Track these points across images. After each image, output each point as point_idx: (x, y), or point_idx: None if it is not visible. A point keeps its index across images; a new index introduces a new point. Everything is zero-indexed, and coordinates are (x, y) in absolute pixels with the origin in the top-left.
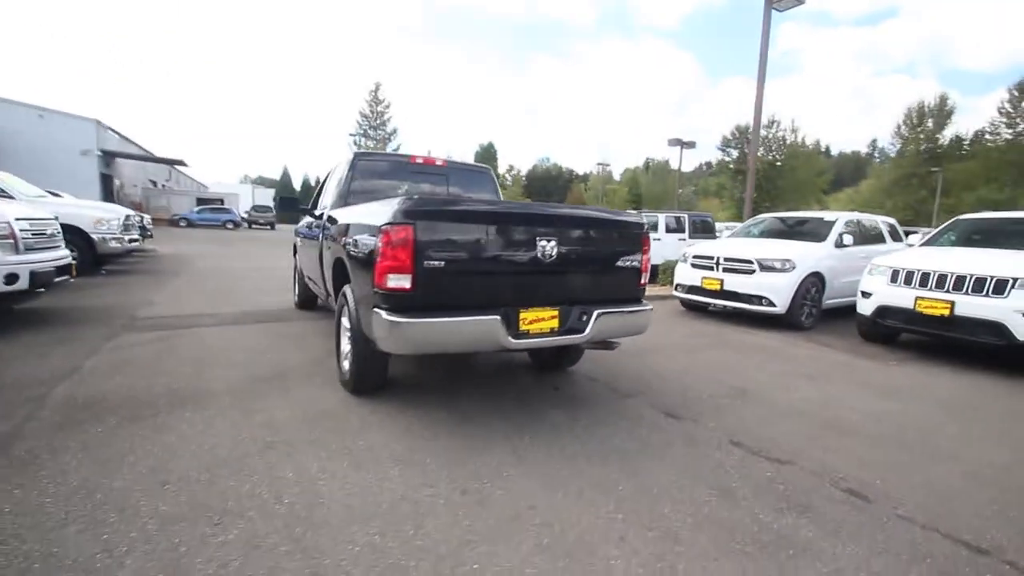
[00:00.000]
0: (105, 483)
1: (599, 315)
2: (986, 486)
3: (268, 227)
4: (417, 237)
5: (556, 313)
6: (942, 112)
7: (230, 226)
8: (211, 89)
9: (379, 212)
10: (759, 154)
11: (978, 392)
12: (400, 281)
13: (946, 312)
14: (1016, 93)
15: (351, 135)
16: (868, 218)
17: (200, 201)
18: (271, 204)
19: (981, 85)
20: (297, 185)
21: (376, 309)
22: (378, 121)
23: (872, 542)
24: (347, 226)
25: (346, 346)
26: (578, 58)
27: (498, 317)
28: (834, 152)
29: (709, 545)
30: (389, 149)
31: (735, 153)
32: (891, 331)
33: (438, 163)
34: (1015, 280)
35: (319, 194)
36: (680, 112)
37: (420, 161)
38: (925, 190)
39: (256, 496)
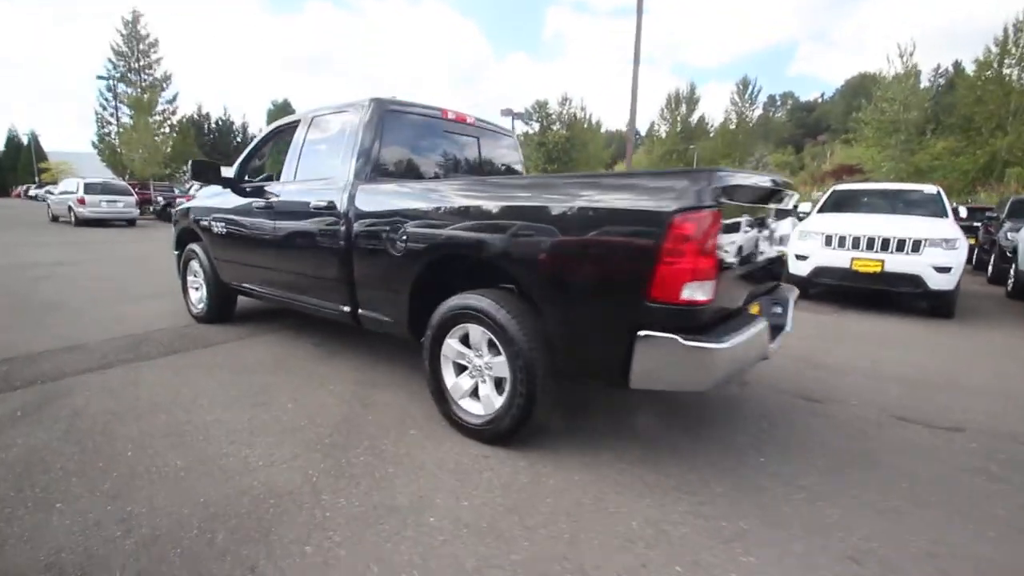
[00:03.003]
0: None
1: (788, 304)
2: None
3: (126, 224)
4: (720, 227)
5: (759, 308)
6: (691, 99)
7: None
8: None
9: (630, 193)
10: (555, 128)
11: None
12: (700, 291)
13: (878, 269)
14: (740, 87)
15: (102, 78)
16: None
17: None
18: (124, 182)
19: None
20: None
21: (653, 333)
22: (141, 62)
23: None
24: (516, 213)
25: (496, 400)
26: (359, 9)
27: (766, 322)
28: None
29: None
30: (162, 100)
31: (536, 126)
32: (820, 288)
33: (468, 121)
34: (927, 240)
35: (251, 158)
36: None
37: (452, 117)
38: (683, 163)
39: None
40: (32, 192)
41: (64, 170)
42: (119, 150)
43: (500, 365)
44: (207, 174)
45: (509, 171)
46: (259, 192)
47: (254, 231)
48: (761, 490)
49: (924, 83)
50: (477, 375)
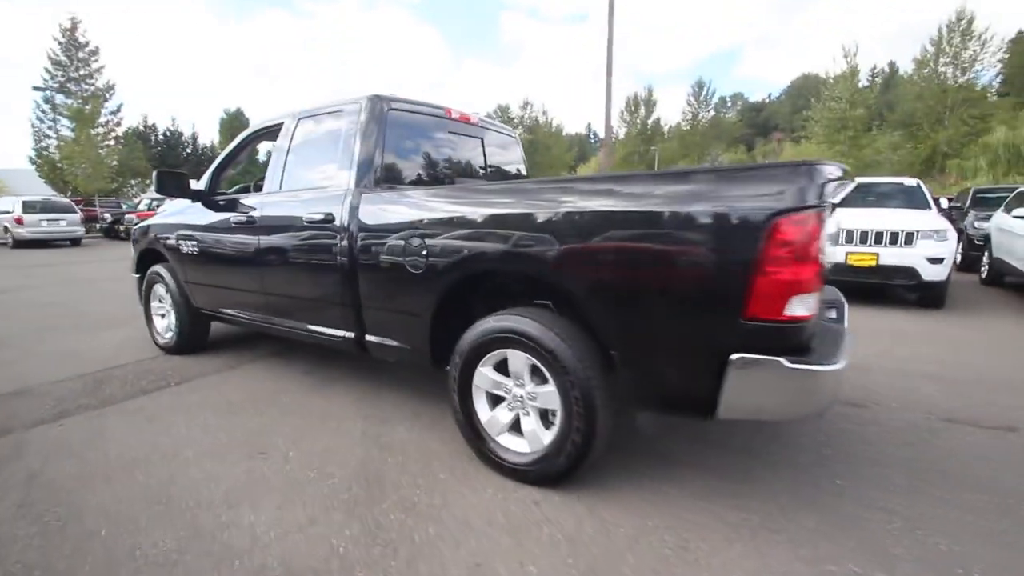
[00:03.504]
0: None
1: (844, 308)
2: None
3: (70, 244)
4: (824, 229)
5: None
6: (649, 102)
7: None
8: None
9: (718, 192)
10: (519, 132)
11: None
12: (804, 305)
13: (873, 263)
14: (696, 89)
15: (39, 89)
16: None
17: None
18: (67, 198)
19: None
20: None
21: (750, 356)
22: (81, 71)
23: None
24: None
25: (544, 436)
26: (309, 15)
27: (849, 333)
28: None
29: None
30: (106, 111)
31: None
32: None
33: (473, 120)
34: (919, 232)
35: (225, 167)
36: (432, 89)
37: (456, 116)
38: (644, 165)
39: None
40: None
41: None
42: (59, 165)
43: (547, 395)
44: (173, 187)
45: (517, 175)
46: (236, 205)
47: (232, 250)
48: (854, 520)
49: (863, 82)
50: (518, 407)
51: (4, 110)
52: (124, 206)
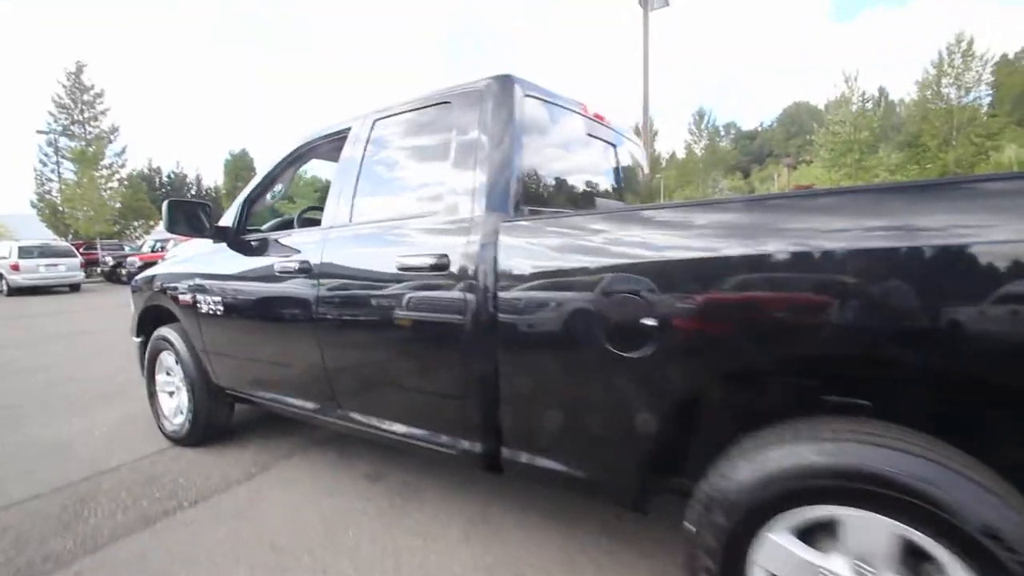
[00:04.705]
0: None
1: None
2: None
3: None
4: None
5: None
6: (649, 132)
7: None
8: None
9: None
10: None
11: None
12: None
13: None
14: (697, 118)
15: (42, 132)
16: None
17: None
18: (67, 242)
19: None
20: None
21: None
22: (86, 114)
23: None
24: None
25: None
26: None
27: None
28: None
29: None
30: (110, 153)
31: None
32: None
33: (607, 122)
34: None
35: (259, 195)
36: None
37: (592, 115)
38: (650, 192)
39: None
40: None
41: (0, 233)
42: (61, 208)
43: None
44: (189, 222)
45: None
46: (279, 247)
47: (274, 309)
48: None
49: (854, 106)
50: None
51: (11, 156)
52: (127, 248)
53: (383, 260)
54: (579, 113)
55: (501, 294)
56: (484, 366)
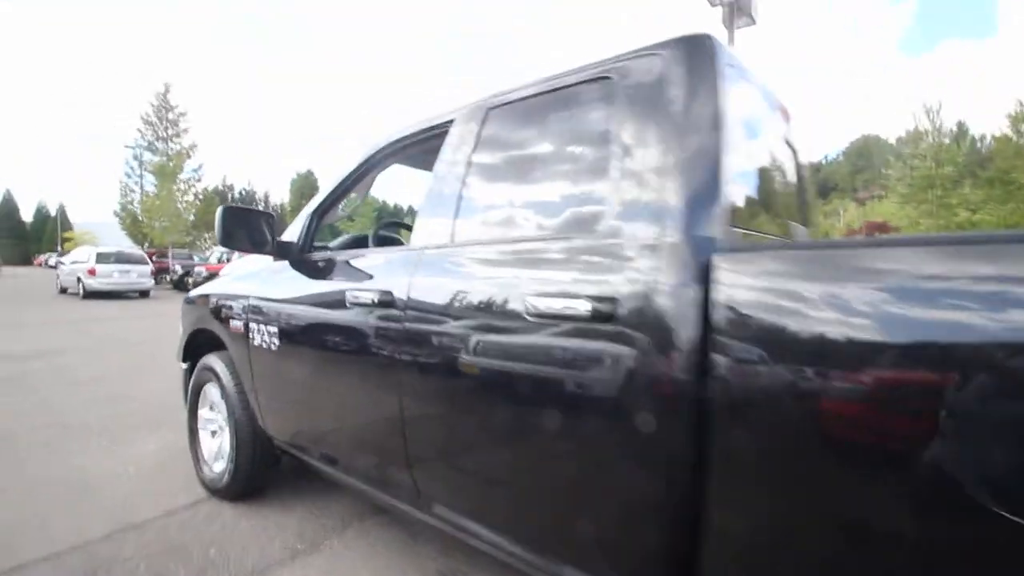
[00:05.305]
0: None
1: None
2: None
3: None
4: None
5: None
6: None
7: None
8: None
9: None
10: None
11: None
12: None
13: None
14: None
15: (129, 147)
16: None
17: None
18: (142, 250)
19: None
20: (27, 214)
21: None
22: (170, 132)
23: None
24: None
25: None
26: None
27: None
28: None
29: None
30: (188, 168)
31: None
32: None
33: (792, 118)
34: None
35: (330, 205)
36: None
37: (781, 111)
38: None
39: None
40: (52, 261)
41: (87, 240)
42: (140, 218)
43: None
44: (247, 234)
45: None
46: (350, 271)
47: (340, 349)
48: None
49: (932, 139)
50: None
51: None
52: (195, 258)
53: (504, 297)
54: (775, 106)
55: (717, 367)
56: (680, 476)
